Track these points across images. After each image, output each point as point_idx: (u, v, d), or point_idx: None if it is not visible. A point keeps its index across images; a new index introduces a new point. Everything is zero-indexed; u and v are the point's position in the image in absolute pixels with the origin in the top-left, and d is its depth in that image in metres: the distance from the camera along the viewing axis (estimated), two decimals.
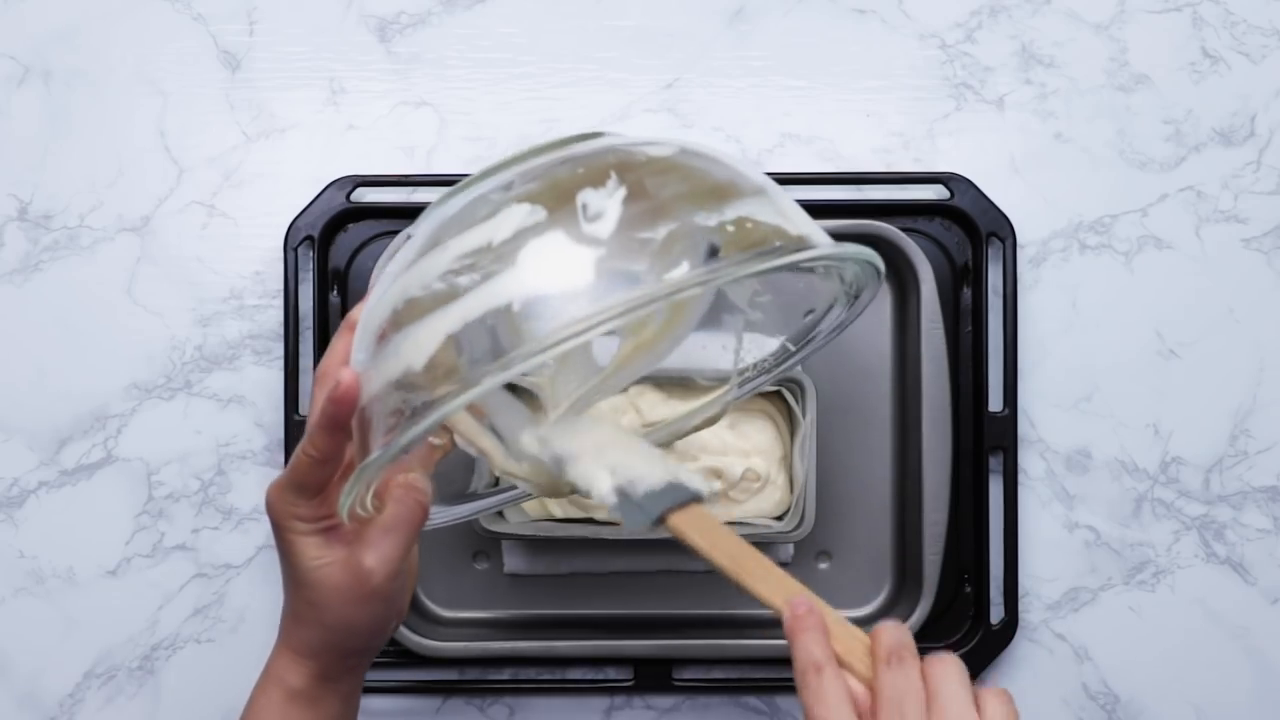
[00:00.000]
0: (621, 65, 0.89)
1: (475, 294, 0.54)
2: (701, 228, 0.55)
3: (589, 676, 0.88)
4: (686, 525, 0.60)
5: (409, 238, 0.59)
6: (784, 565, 0.86)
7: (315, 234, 0.86)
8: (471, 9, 0.90)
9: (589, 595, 0.87)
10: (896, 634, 0.56)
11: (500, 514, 0.82)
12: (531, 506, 0.82)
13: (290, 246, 0.86)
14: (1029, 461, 0.88)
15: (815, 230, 0.59)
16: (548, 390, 0.67)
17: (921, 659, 0.56)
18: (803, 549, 0.87)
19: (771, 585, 0.58)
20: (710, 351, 0.74)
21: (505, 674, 0.88)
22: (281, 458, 0.86)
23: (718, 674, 0.87)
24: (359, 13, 0.89)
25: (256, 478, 0.88)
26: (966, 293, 0.87)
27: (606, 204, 0.55)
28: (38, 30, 0.89)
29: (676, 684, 0.87)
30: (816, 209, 0.66)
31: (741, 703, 0.88)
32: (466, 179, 0.60)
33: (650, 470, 0.61)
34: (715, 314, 0.70)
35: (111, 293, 0.88)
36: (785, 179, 0.87)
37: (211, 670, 0.88)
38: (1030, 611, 0.88)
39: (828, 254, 0.57)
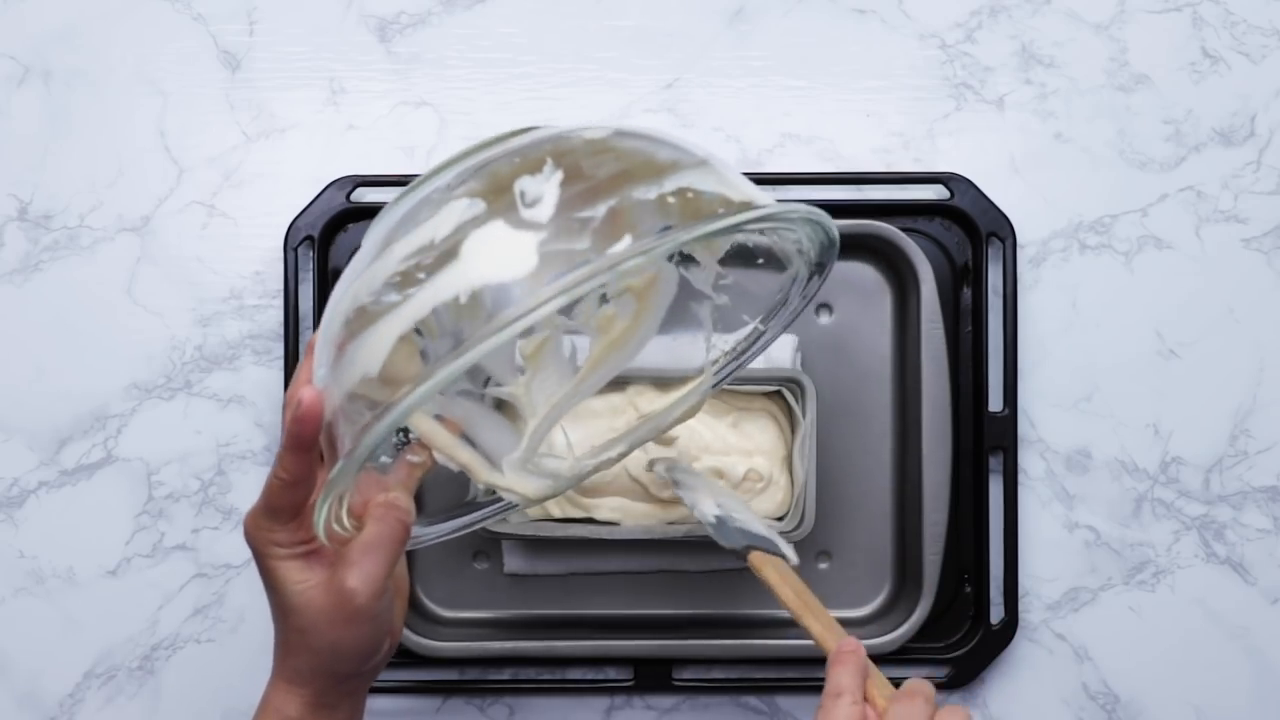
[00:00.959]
0: (621, 65, 0.89)
1: (422, 292, 0.54)
2: (641, 201, 0.55)
3: (589, 676, 0.88)
4: (764, 563, 0.70)
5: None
6: None
7: (315, 234, 0.86)
8: (471, 9, 0.90)
9: (589, 595, 0.87)
10: (922, 682, 0.61)
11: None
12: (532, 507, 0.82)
13: (290, 246, 0.86)
14: (1029, 461, 0.88)
15: (761, 196, 0.58)
16: (524, 398, 0.67)
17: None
18: (803, 549, 0.86)
19: (829, 626, 0.66)
20: (698, 348, 0.74)
21: (505, 674, 0.88)
22: None
23: (718, 674, 0.87)
24: (359, 13, 0.89)
25: (256, 478, 0.88)
26: (966, 293, 0.87)
27: (544, 188, 0.55)
28: (38, 30, 0.89)
29: (676, 684, 0.87)
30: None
31: (741, 703, 0.88)
32: (411, 183, 0.59)
33: (751, 520, 0.74)
34: (684, 304, 0.70)
35: (111, 293, 0.88)
36: (785, 179, 0.87)
37: (211, 670, 0.88)
38: (1030, 611, 0.88)
39: (770, 213, 0.57)
